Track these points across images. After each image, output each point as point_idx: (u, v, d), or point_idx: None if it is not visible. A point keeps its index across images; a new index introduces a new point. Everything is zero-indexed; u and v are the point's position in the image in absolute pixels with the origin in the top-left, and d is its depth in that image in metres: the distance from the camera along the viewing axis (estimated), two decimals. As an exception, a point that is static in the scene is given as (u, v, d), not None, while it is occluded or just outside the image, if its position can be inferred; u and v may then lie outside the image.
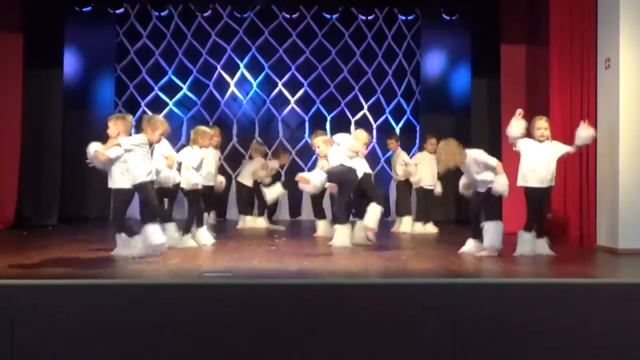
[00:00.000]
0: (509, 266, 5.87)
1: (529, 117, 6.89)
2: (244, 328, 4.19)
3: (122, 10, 11.19)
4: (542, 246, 6.50)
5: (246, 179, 9.77)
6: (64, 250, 6.35)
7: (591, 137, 6.58)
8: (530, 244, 6.45)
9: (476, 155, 6.41)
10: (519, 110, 6.56)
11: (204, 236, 7.18)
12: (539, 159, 6.45)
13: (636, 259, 6.47)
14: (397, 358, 4.24)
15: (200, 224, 7.18)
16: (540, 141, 6.50)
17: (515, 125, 6.49)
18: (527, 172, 6.46)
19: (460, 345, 4.26)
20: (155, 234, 5.91)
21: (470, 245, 6.56)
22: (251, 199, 9.84)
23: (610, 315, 4.36)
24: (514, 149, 6.58)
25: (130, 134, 6.16)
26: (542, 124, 6.53)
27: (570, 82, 7.58)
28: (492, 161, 6.37)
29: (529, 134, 6.55)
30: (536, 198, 6.48)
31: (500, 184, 6.29)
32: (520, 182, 6.52)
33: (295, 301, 4.29)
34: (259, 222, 9.72)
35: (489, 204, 6.45)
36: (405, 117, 11.87)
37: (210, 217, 8.07)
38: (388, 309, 4.28)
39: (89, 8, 10.71)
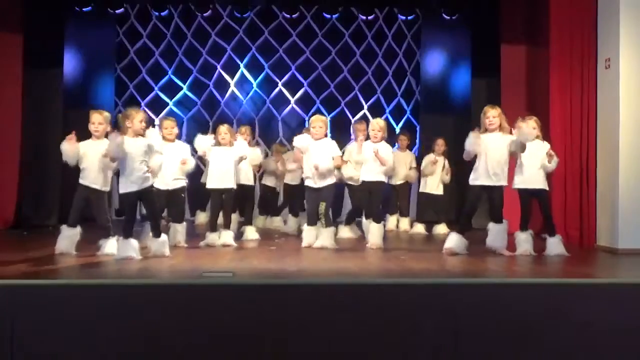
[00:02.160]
0: (509, 266, 5.87)
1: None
2: (244, 328, 4.19)
3: (122, 10, 11.18)
4: (556, 245, 6.52)
5: (268, 180, 9.60)
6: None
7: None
8: (528, 244, 6.50)
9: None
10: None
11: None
12: (528, 160, 6.59)
13: (636, 259, 6.47)
14: (397, 358, 4.24)
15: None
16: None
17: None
18: (517, 173, 6.65)
19: (460, 345, 4.26)
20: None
21: (455, 240, 6.46)
22: (274, 200, 9.68)
23: (610, 315, 4.36)
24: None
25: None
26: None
27: (570, 82, 7.59)
28: None
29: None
30: (525, 197, 6.63)
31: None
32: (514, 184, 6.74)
33: (295, 301, 4.29)
34: (276, 222, 9.56)
35: (497, 204, 6.54)
36: (405, 117, 11.87)
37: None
38: (388, 309, 4.28)
39: (89, 8, 10.70)
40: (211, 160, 7.29)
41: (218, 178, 7.26)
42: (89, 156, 6.36)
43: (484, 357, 4.28)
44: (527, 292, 4.49)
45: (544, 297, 4.43)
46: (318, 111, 11.66)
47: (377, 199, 7.31)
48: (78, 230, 6.36)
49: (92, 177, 6.36)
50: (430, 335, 4.25)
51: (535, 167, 6.57)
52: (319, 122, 7.25)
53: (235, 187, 7.34)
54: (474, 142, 6.40)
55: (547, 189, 6.66)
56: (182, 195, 7.22)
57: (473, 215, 6.67)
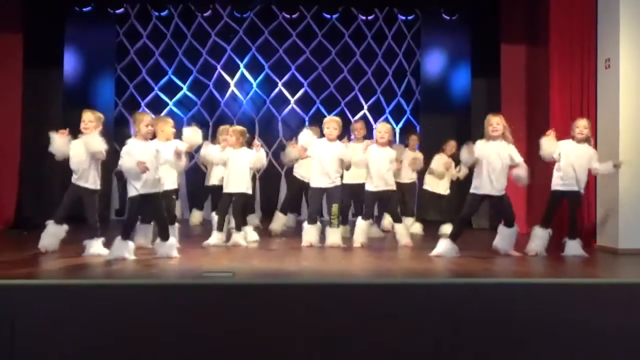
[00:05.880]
0: (510, 266, 5.88)
1: (528, 118, 6.91)
2: (244, 328, 4.19)
3: (122, 10, 11.19)
4: (574, 247, 6.52)
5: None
6: (63, 251, 6.35)
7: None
8: (540, 241, 6.51)
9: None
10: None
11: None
12: (568, 162, 6.58)
13: (636, 259, 6.47)
14: (397, 358, 4.24)
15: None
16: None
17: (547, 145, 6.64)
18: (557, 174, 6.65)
19: (461, 346, 4.26)
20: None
21: (445, 246, 6.39)
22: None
23: (610, 315, 4.36)
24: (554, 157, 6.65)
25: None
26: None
27: (570, 82, 7.59)
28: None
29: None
30: (555, 197, 6.65)
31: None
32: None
33: (295, 301, 4.29)
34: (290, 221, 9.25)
35: (506, 210, 6.53)
36: (405, 117, 11.88)
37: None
38: (388, 309, 4.28)
39: (89, 8, 10.70)
40: (230, 164, 7.17)
41: (235, 182, 7.16)
42: (78, 155, 6.36)
43: (484, 357, 4.28)
44: (528, 292, 4.49)
45: (544, 297, 4.43)
46: (318, 111, 11.70)
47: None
48: (64, 227, 6.36)
49: (84, 176, 6.37)
50: (430, 336, 4.25)
51: (576, 169, 6.54)
52: (333, 123, 7.23)
53: (250, 192, 7.35)
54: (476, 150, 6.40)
55: (582, 192, 6.62)
56: (174, 197, 7.14)
57: (467, 222, 6.69)
